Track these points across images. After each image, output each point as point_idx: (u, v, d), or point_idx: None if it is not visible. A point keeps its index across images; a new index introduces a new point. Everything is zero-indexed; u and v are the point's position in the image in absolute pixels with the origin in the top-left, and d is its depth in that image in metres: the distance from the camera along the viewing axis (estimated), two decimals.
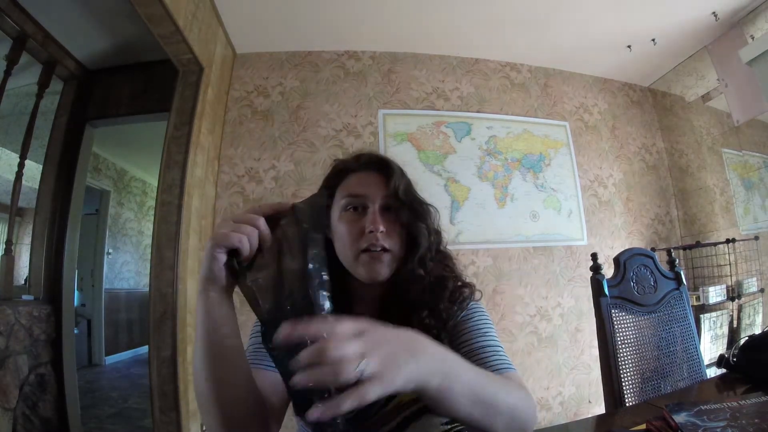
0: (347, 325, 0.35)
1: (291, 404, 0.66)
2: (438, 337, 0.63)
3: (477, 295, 0.69)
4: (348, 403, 0.32)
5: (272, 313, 0.43)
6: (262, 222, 0.45)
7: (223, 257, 0.44)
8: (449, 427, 0.42)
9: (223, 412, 0.47)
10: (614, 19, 2.25)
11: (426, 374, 0.38)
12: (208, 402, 0.46)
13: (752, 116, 2.37)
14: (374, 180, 0.65)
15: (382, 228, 0.61)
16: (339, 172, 0.69)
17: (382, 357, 0.34)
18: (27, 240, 2.22)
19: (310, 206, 0.49)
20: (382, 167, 0.67)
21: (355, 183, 0.66)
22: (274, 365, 0.58)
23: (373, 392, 0.33)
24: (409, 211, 0.65)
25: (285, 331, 0.34)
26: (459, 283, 0.68)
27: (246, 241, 0.44)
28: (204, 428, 1.83)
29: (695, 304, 2.27)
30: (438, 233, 0.70)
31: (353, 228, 0.63)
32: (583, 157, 2.66)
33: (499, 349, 0.61)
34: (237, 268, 0.45)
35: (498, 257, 2.35)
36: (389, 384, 0.34)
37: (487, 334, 0.64)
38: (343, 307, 0.67)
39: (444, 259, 0.70)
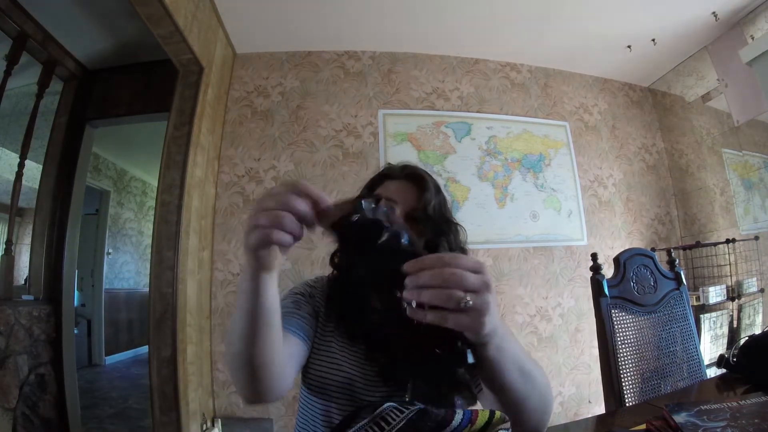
0: (470, 260, 0.38)
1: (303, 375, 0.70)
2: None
3: None
4: (432, 317, 0.36)
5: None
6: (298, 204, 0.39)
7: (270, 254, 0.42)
8: None
9: (256, 373, 0.50)
10: (614, 19, 2.25)
11: (493, 329, 0.40)
12: (245, 365, 0.49)
13: (752, 116, 2.37)
14: (409, 191, 0.72)
15: None
16: (383, 176, 0.77)
17: (483, 301, 0.37)
18: (27, 240, 2.22)
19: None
20: (419, 181, 0.73)
21: (392, 188, 0.73)
22: (298, 330, 0.65)
23: (457, 323, 0.36)
24: (432, 226, 0.70)
25: (419, 263, 0.37)
26: None
27: (289, 237, 0.39)
28: (207, 423, 1.83)
29: (695, 304, 2.27)
30: (464, 251, 0.75)
31: None
32: (583, 157, 2.66)
33: None
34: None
35: (498, 257, 2.35)
36: (477, 326, 0.37)
37: None
38: (363, 295, 0.72)
39: None
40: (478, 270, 0.37)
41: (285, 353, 0.58)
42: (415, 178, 0.74)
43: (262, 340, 0.48)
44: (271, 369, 0.51)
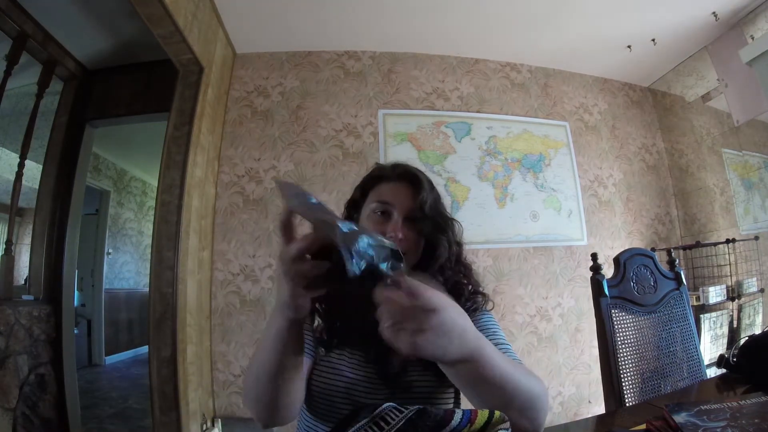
0: (425, 298, 0.38)
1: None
2: None
3: (489, 305, 0.75)
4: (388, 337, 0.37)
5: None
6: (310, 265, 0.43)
7: (304, 293, 0.44)
8: None
9: (280, 402, 0.54)
10: (614, 19, 2.25)
11: (459, 357, 0.40)
12: (269, 396, 0.53)
13: (752, 116, 2.37)
14: (404, 191, 0.72)
15: (400, 235, 0.67)
16: (375, 178, 0.77)
17: (431, 343, 0.37)
18: (27, 240, 2.22)
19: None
20: (413, 181, 0.74)
21: (387, 191, 0.73)
22: (306, 348, 0.65)
23: (405, 351, 0.37)
24: (431, 224, 0.71)
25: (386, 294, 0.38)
26: (472, 290, 0.74)
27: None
28: (207, 423, 1.83)
29: (695, 304, 2.27)
30: (459, 245, 0.76)
31: (376, 230, 0.68)
32: (583, 157, 2.66)
33: (508, 346, 0.66)
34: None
35: (498, 257, 2.35)
36: (429, 356, 0.38)
37: (495, 334, 0.68)
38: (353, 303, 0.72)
39: (463, 269, 0.75)
40: (430, 309, 0.37)
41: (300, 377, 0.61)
42: (408, 177, 0.75)
43: (289, 382, 0.52)
44: (293, 400, 0.56)
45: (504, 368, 0.46)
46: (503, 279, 2.33)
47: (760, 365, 0.83)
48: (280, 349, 0.48)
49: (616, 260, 1.16)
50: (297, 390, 0.56)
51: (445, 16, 2.21)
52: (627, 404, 1.02)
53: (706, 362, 1.40)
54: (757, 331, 1.92)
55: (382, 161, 2.29)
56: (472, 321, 0.68)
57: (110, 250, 4.28)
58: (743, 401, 0.64)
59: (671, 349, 1.14)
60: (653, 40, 2.43)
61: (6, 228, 2.09)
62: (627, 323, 1.12)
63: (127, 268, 4.67)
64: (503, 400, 0.46)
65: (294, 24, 2.22)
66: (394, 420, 0.44)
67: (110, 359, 4.08)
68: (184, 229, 1.79)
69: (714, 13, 2.19)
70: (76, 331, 2.42)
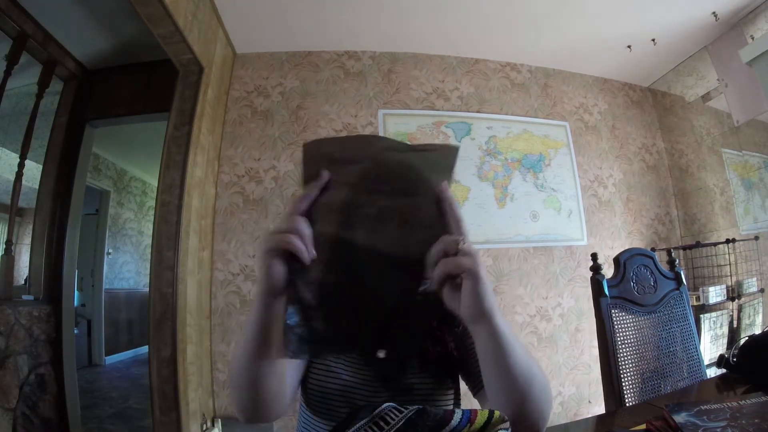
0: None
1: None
2: (442, 340, 0.67)
3: None
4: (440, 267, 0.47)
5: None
6: (305, 228, 0.43)
7: (281, 266, 0.43)
8: None
9: (258, 397, 0.53)
10: (614, 19, 2.25)
11: (491, 304, 0.45)
12: (246, 388, 0.52)
13: (752, 116, 2.37)
14: None
15: None
16: None
17: (470, 248, 0.47)
18: (27, 240, 2.22)
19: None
20: None
21: None
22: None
23: (457, 264, 0.47)
24: None
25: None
26: None
27: (305, 249, 0.43)
28: (207, 423, 1.83)
29: (695, 304, 2.27)
30: None
31: None
32: (583, 157, 2.66)
33: None
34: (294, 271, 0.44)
35: (498, 257, 2.35)
36: (473, 266, 0.46)
37: None
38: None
39: None
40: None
41: (286, 374, 0.59)
42: None
43: (266, 367, 0.50)
44: (275, 392, 0.54)
45: (522, 348, 0.48)
46: (503, 279, 2.33)
47: (760, 365, 0.83)
48: (257, 320, 0.47)
49: (616, 260, 1.16)
50: (279, 381, 0.53)
51: (445, 16, 2.21)
52: (627, 404, 1.02)
53: (706, 362, 1.40)
54: (757, 331, 1.93)
55: None
56: None
57: (110, 250, 4.29)
58: (743, 401, 0.64)
59: (671, 349, 1.14)
60: (653, 40, 2.43)
61: (6, 228, 2.09)
62: (627, 323, 1.12)
63: (127, 268, 4.67)
64: (524, 380, 0.46)
65: (294, 24, 2.22)
66: (393, 420, 0.44)
67: (110, 359, 4.08)
68: (184, 229, 1.79)
69: (714, 13, 2.19)
70: (76, 331, 2.42)
